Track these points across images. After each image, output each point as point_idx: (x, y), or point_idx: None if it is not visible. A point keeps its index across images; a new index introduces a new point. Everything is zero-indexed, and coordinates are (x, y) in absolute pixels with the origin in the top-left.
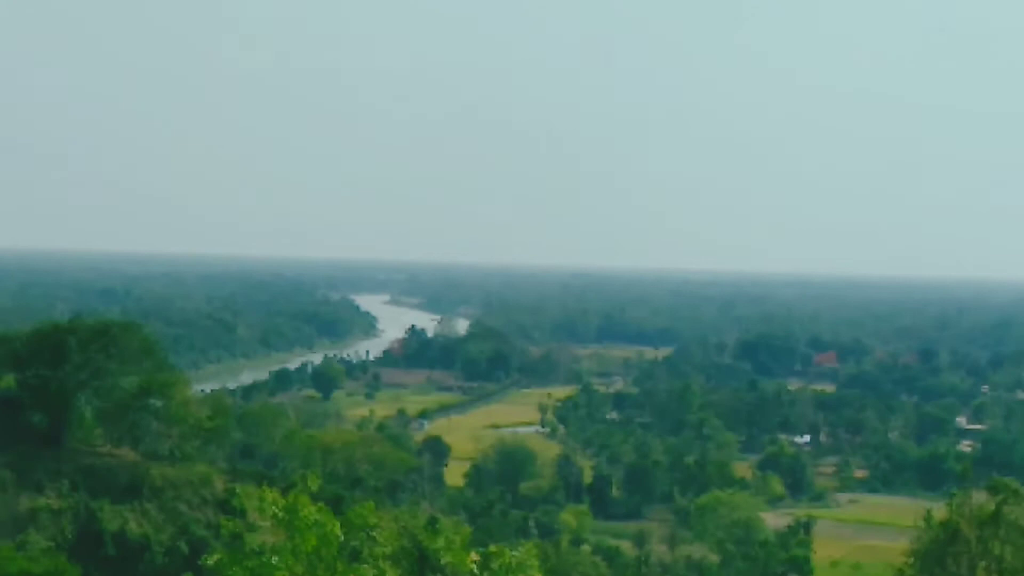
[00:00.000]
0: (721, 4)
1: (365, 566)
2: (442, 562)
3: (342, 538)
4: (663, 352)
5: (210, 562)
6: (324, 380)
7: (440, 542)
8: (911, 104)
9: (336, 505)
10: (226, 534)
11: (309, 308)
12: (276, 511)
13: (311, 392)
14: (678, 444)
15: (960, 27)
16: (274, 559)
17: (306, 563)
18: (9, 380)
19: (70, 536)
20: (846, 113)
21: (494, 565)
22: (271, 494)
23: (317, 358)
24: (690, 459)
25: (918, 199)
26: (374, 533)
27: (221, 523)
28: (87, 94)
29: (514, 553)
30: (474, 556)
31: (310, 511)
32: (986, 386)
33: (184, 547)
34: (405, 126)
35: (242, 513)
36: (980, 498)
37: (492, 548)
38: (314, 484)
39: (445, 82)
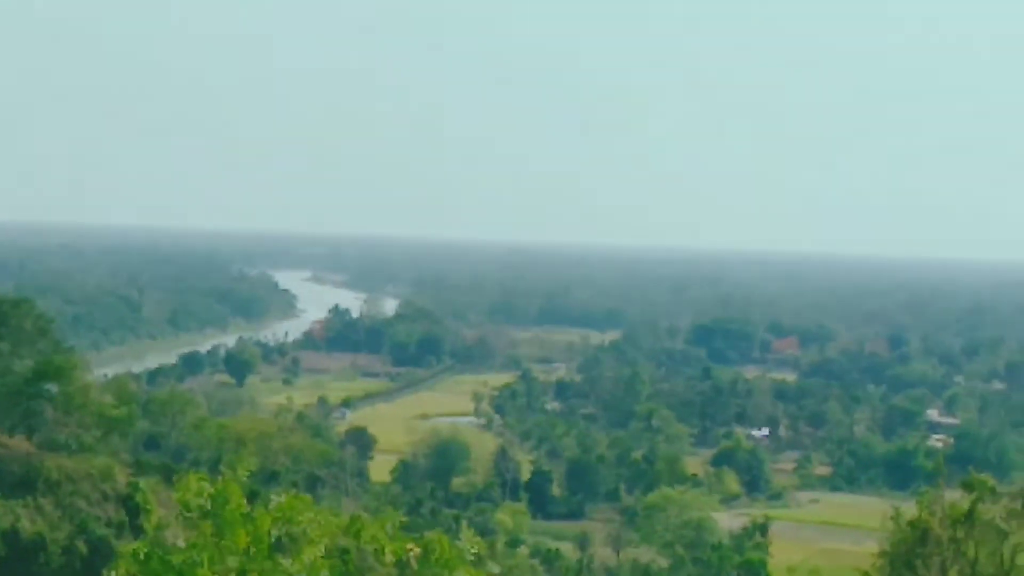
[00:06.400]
0: None
1: (297, 565)
2: (382, 553)
3: (274, 535)
4: (609, 336)
5: (120, 571)
6: (238, 364)
7: (375, 532)
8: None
9: (249, 502)
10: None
11: (222, 285)
12: (202, 502)
13: (223, 377)
14: (625, 437)
15: None
16: (203, 556)
17: (237, 562)
18: None
19: None
20: (819, 80)
21: (432, 557)
22: (197, 480)
23: (230, 340)
24: (638, 454)
25: (889, 174)
26: (308, 529)
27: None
28: None
29: (457, 541)
30: (414, 548)
31: (240, 503)
32: (959, 376)
33: (83, 547)
34: (322, 91)
35: (146, 511)
36: (953, 496)
37: (431, 536)
38: (244, 471)
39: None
